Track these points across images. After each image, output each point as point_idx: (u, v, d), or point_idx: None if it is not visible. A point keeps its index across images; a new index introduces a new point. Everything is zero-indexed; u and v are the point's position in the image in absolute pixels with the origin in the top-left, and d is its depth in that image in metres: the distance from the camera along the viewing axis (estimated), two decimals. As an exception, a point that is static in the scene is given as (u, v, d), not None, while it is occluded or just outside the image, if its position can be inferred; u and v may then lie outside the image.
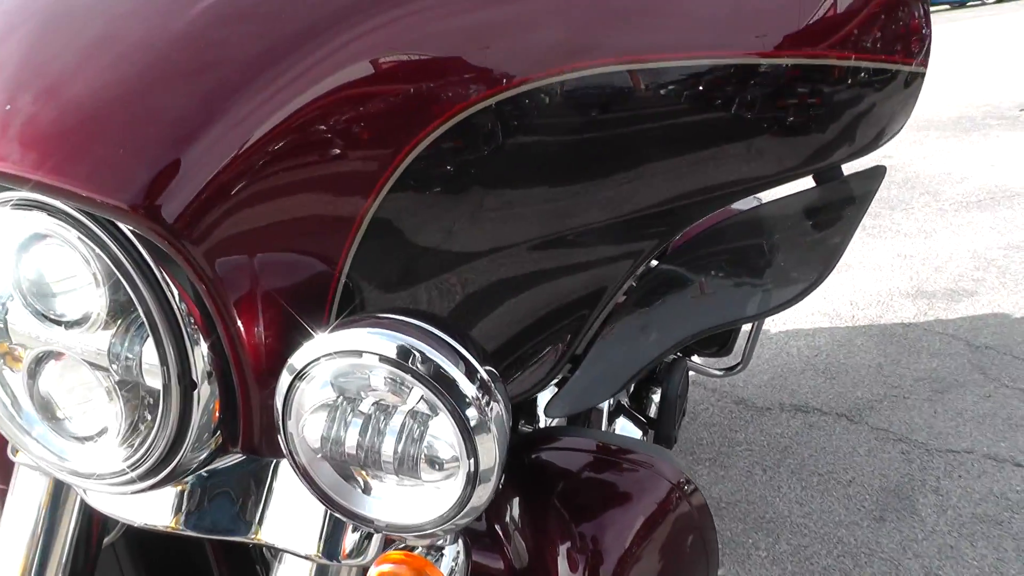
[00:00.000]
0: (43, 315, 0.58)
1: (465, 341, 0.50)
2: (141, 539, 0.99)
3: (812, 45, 0.63)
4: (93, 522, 0.81)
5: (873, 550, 1.93)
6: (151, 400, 0.59)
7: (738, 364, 1.89)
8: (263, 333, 0.56)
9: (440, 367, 0.49)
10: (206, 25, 0.54)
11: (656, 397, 1.58)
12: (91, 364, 0.58)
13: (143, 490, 0.61)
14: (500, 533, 0.77)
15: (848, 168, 0.74)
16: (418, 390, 0.50)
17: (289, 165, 0.53)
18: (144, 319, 0.54)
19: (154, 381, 0.56)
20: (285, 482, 0.66)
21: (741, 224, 0.73)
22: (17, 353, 0.62)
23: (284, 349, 0.57)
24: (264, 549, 0.83)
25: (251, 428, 0.59)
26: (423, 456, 0.51)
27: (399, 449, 0.51)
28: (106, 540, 0.87)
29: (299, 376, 0.52)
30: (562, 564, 0.75)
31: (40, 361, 0.61)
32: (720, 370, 1.97)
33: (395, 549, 0.62)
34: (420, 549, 0.61)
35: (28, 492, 0.78)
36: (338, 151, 0.55)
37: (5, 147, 0.51)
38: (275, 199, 0.54)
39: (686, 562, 0.80)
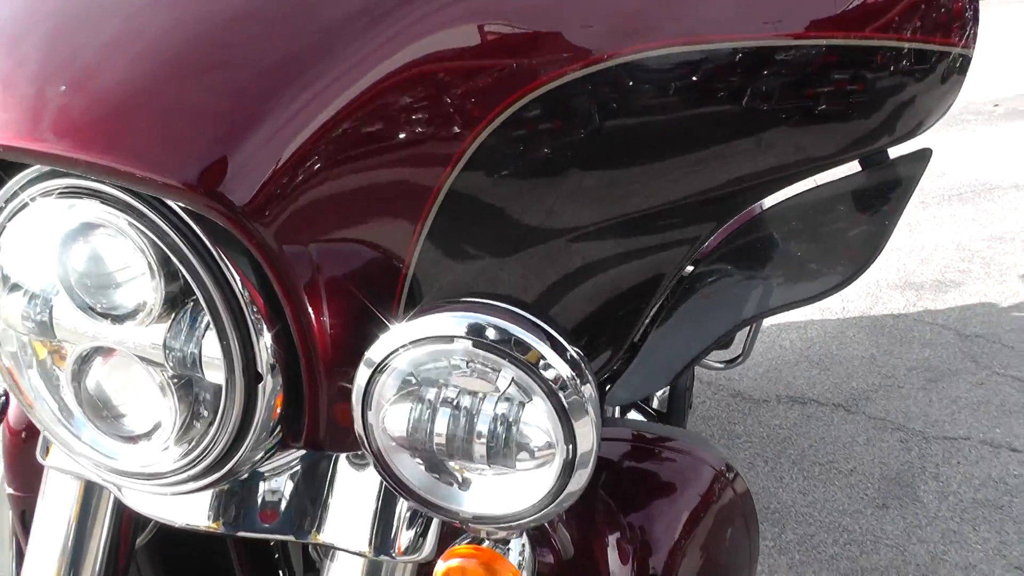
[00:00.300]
0: (92, 309, 0.55)
1: (552, 322, 0.49)
2: (161, 540, 0.98)
3: (861, 27, 0.63)
4: (125, 524, 0.79)
5: (878, 537, 1.95)
6: (207, 396, 0.57)
7: (739, 356, 1.91)
8: (333, 320, 0.53)
9: (535, 349, 0.48)
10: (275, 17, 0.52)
11: (664, 391, 1.58)
12: (144, 359, 0.56)
13: (197, 490, 0.59)
14: (547, 525, 0.76)
15: (893, 152, 0.75)
16: (509, 374, 0.49)
17: (363, 142, 0.52)
18: (206, 309, 0.52)
19: (214, 375, 0.54)
20: (340, 478, 0.65)
21: (788, 210, 0.73)
22: (63, 351, 0.59)
23: (355, 337, 0.55)
24: (311, 548, 0.82)
25: (317, 422, 0.57)
26: (515, 444, 0.49)
27: (491, 438, 0.49)
28: (138, 542, 0.86)
29: (380, 366, 0.51)
30: (612, 555, 0.75)
31: (87, 358, 0.58)
32: (721, 363, 1.98)
33: (461, 543, 0.61)
34: (487, 542, 0.60)
35: (60, 496, 0.76)
36: (412, 127, 0.53)
37: (60, 129, 0.49)
38: (347, 178, 0.52)
39: (732, 548, 0.80)
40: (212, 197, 0.47)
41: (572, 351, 0.48)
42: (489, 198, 0.59)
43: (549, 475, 0.49)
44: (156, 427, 0.59)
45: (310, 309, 0.52)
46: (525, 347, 0.48)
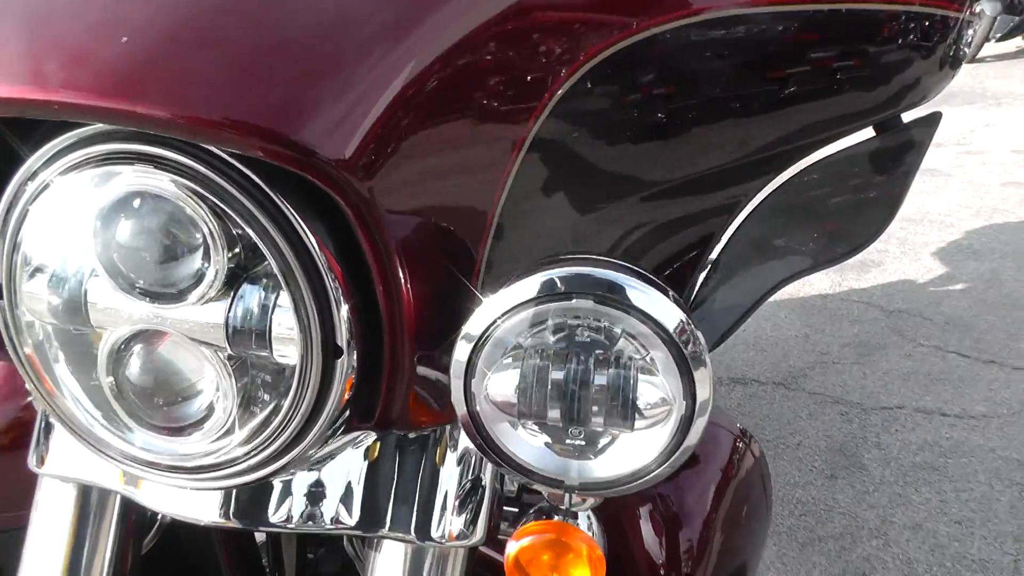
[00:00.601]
0: (136, 289, 0.49)
1: (654, 277, 0.49)
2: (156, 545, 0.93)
3: None
4: (130, 531, 0.75)
5: (831, 506, 2.03)
6: (266, 377, 0.53)
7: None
8: (419, 287, 0.50)
9: (656, 301, 0.47)
10: None
11: None
12: (197, 340, 0.50)
13: (258, 480, 0.54)
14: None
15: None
16: (620, 330, 0.48)
17: (452, 94, 0.49)
18: (281, 280, 0.47)
19: (286, 352, 0.49)
20: (387, 463, 0.62)
21: (811, 175, 0.75)
22: (96, 339, 0.53)
23: (440, 304, 0.52)
24: (347, 541, 0.79)
25: (392, 399, 0.53)
26: (632, 402, 0.47)
27: (609, 399, 0.47)
28: (144, 546, 0.82)
29: (485, 334, 0.48)
30: (645, 526, 0.76)
31: (125, 345, 0.52)
32: None
33: (527, 522, 0.60)
34: (557, 516, 0.59)
35: (58, 506, 0.70)
36: (499, 79, 0.50)
37: (137, 85, 0.43)
38: (436, 131, 0.49)
39: (754, 510, 0.83)
40: (309, 152, 0.44)
41: (681, 303, 0.48)
42: (568, 154, 0.57)
43: (663, 433, 0.48)
44: (206, 416, 0.54)
45: (401, 274, 0.49)
46: (645, 300, 0.47)
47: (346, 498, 0.63)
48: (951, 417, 2.35)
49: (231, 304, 0.49)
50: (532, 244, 0.57)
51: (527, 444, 0.51)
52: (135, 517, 0.73)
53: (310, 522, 0.63)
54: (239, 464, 0.53)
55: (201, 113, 0.43)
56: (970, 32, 0.71)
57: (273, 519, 0.63)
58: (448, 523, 0.62)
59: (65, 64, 0.44)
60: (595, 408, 0.48)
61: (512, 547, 0.59)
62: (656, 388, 0.48)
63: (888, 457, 2.20)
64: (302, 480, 0.63)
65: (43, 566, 0.70)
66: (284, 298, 0.48)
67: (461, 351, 0.49)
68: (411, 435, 0.62)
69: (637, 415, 0.48)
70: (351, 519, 0.62)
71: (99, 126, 0.48)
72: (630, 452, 0.50)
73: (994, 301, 3.06)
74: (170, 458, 0.55)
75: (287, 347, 0.49)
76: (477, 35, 0.49)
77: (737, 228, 0.72)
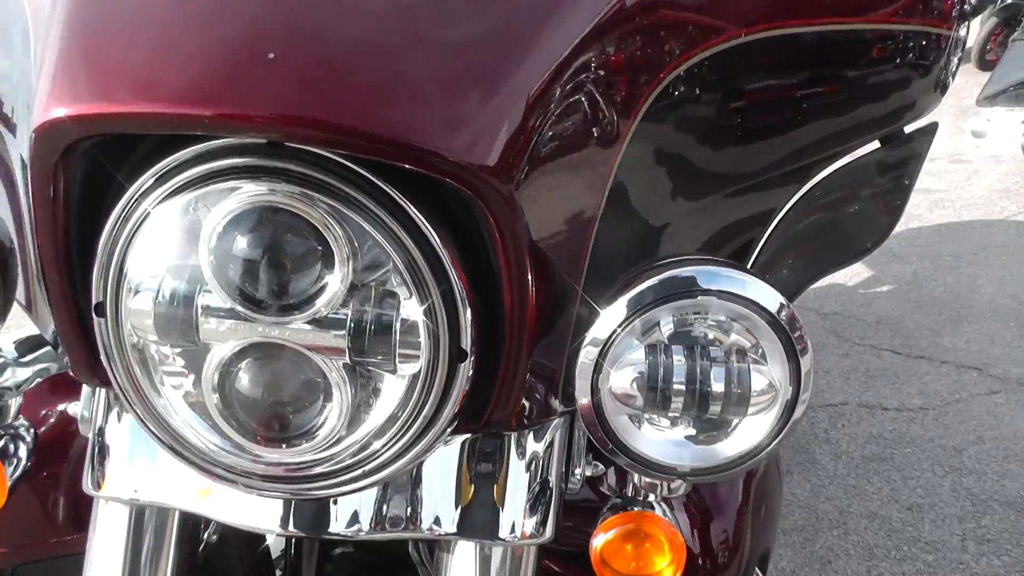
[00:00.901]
0: (255, 304, 0.49)
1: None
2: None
3: (899, 14, 0.71)
4: (187, 547, 0.74)
5: (790, 500, 2.13)
6: (379, 384, 0.53)
7: None
8: (541, 289, 0.52)
9: (769, 296, 0.52)
10: None
11: None
12: (315, 350, 0.51)
13: (365, 487, 0.56)
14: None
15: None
16: (735, 324, 0.53)
17: (567, 99, 0.51)
18: (412, 287, 0.49)
19: (411, 358, 0.50)
20: (463, 466, 0.64)
21: (829, 183, 0.82)
22: (200, 356, 0.53)
23: (554, 305, 0.54)
24: (412, 547, 0.80)
25: (503, 400, 0.55)
26: (749, 391, 0.51)
27: (728, 388, 0.51)
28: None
29: (613, 335, 0.52)
30: (686, 518, 0.81)
31: (233, 359, 0.52)
32: None
33: (605, 517, 0.64)
34: (636, 507, 0.63)
35: (114, 526, 0.70)
36: (603, 82, 0.54)
37: (265, 98, 0.44)
38: (557, 137, 0.51)
39: (773, 497, 0.89)
40: (459, 161, 0.45)
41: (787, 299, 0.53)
42: (656, 153, 0.61)
43: (769, 417, 0.53)
44: (316, 426, 0.53)
45: (529, 277, 0.50)
46: (762, 295, 0.52)
47: (418, 502, 0.64)
48: (891, 411, 2.50)
49: (353, 314, 0.50)
50: (623, 243, 0.61)
51: (643, 436, 0.55)
52: (189, 534, 0.74)
53: (383, 528, 0.64)
54: (351, 472, 0.55)
55: (357, 126, 0.45)
56: (957, 55, 0.80)
57: (342, 527, 0.64)
58: (520, 523, 0.64)
59: (215, 80, 0.45)
60: (715, 399, 0.52)
61: (597, 540, 0.63)
62: (763, 376, 0.52)
63: (838, 451, 2.32)
64: (367, 494, 0.63)
65: None
66: (411, 304, 0.50)
67: (588, 353, 0.53)
68: (484, 439, 0.65)
69: (750, 403, 0.52)
70: (425, 523, 0.64)
71: (205, 145, 0.49)
72: (738, 437, 0.55)
73: (918, 300, 3.26)
74: (277, 469, 0.55)
75: (411, 353, 0.50)
76: (587, 42, 0.52)
77: (776, 230, 0.78)
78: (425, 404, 0.52)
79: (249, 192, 0.48)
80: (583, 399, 0.54)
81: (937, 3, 0.74)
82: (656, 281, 0.53)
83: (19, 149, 0.60)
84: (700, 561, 0.81)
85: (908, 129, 0.82)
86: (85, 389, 0.69)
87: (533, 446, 0.65)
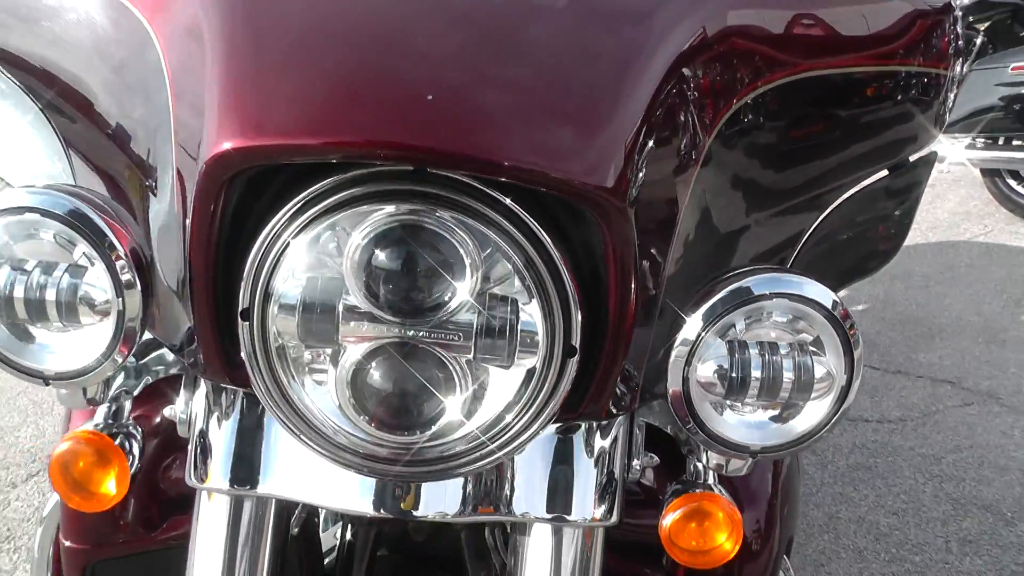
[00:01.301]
0: (392, 308, 0.56)
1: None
2: None
3: (901, 56, 0.82)
4: (283, 533, 0.80)
5: (782, 507, 2.23)
6: (487, 378, 0.60)
7: None
8: (639, 295, 0.59)
9: (829, 298, 0.62)
10: (579, 22, 0.60)
11: None
12: (442, 349, 0.58)
13: (475, 471, 0.63)
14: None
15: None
16: (800, 322, 0.63)
17: (664, 123, 0.60)
18: (535, 292, 0.56)
19: (528, 353, 0.58)
20: (544, 452, 0.72)
21: (842, 209, 0.92)
22: (334, 355, 0.60)
23: (645, 310, 0.61)
24: (488, 532, 0.87)
25: (599, 393, 0.62)
26: (813, 380, 0.62)
27: (796, 377, 0.61)
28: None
29: (700, 335, 0.62)
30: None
31: (366, 358, 0.59)
32: None
33: (671, 500, 0.72)
34: (698, 488, 0.71)
35: (215, 516, 0.75)
36: (684, 109, 0.62)
37: (430, 132, 0.53)
38: (652, 156, 0.59)
39: (795, 488, 0.98)
40: (585, 184, 0.53)
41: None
42: (726, 172, 0.69)
43: (827, 401, 0.63)
44: (437, 415, 0.60)
45: (633, 284, 0.58)
46: (823, 297, 0.62)
47: (503, 488, 0.72)
48: (873, 422, 2.62)
49: (479, 317, 0.57)
50: (694, 253, 0.68)
51: (723, 420, 0.65)
52: (284, 523, 0.79)
53: (472, 512, 0.71)
54: (465, 457, 0.62)
55: (501, 157, 0.53)
56: (954, 91, 0.91)
57: (434, 510, 0.71)
58: (591, 508, 0.72)
59: (377, 116, 0.53)
60: (785, 387, 0.62)
61: (666, 521, 0.71)
62: (823, 366, 0.62)
63: (824, 461, 2.43)
64: (457, 480, 0.71)
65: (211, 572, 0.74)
66: (532, 307, 0.57)
67: (680, 351, 0.62)
68: (561, 434, 0.74)
69: (813, 389, 0.62)
70: (509, 507, 0.71)
71: (350, 174, 0.56)
72: (801, 419, 0.64)
73: (891, 319, 3.41)
74: (400, 454, 0.61)
75: (529, 350, 0.58)
76: (673, 72, 0.60)
77: (797, 252, 0.88)
78: (538, 395, 0.59)
79: (392, 212, 0.55)
80: (675, 388, 0.63)
81: (936, 42, 0.85)
82: (731, 289, 0.62)
83: (151, 180, 0.67)
84: (750, 538, 0.90)
85: (912, 158, 0.93)
86: (183, 393, 0.76)
87: (600, 441, 0.74)
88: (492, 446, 0.62)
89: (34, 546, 1.02)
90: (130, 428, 0.77)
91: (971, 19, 8.54)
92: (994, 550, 2.00)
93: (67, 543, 0.93)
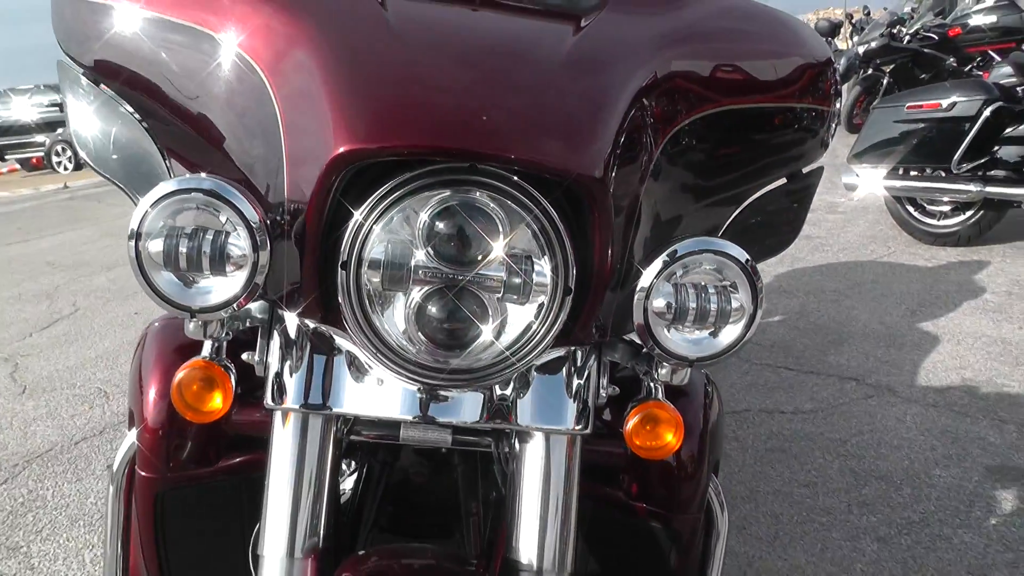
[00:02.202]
0: (448, 260, 0.78)
1: None
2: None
3: (792, 95, 1.09)
4: (337, 448, 0.98)
5: (711, 484, 2.54)
6: (513, 312, 0.82)
7: None
8: (614, 251, 0.82)
9: (743, 255, 0.85)
10: (575, 68, 0.85)
11: None
12: (484, 288, 0.79)
13: (499, 380, 0.87)
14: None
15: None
16: (724, 273, 0.87)
17: (627, 134, 0.83)
18: (545, 248, 0.78)
19: (539, 292, 0.79)
20: (540, 376, 0.94)
21: (749, 208, 1.23)
22: (405, 295, 0.81)
23: (616, 264, 0.83)
24: (494, 445, 1.12)
25: (586, 323, 0.84)
26: (730, 311, 0.85)
27: (719, 307, 0.84)
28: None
29: (653, 282, 0.84)
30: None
31: (427, 297, 0.80)
32: None
33: (633, 406, 0.95)
34: (653, 397, 0.95)
35: (290, 434, 0.94)
36: (645, 124, 0.87)
37: (486, 140, 0.76)
38: (621, 154, 0.82)
39: (718, 423, 1.26)
40: (584, 174, 0.77)
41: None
42: (669, 176, 0.95)
43: (739, 326, 0.86)
44: (475, 336, 0.82)
45: (610, 245, 0.80)
46: (735, 252, 0.85)
47: (512, 404, 0.94)
48: (788, 414, 2.97)
49: (507, 267, 0.79)
50: (649, 227, 0.93)
51: (670, 338, 0.87)
52: (339, 440, 0.99)
53: (491, 421, 0.94)
54: (492, 368, 0.84)
55: (533, 157, 0.77)
56: (835, 121, 1.24)
57: (467, 417, 0.92)
58: (573, 420, 0.94)
59: (452, 129, 0.77)
60: (712, 316, 0.85)
61: (629, 424, 0.95)
62: (737, 300, 0.86)
63: (745, 446, 2.76)
64: (478, 395, 0.94)
65: (285, 479, 0.94)
66: (543, 261, 0.79)
67: (641, 292, 0.85)
68: (555, 357, 0.96)
69: (731, 316, 0.86)
70: (516, 418, 0.94)
71: (421, 171, 0.77)
72: (723, 337, 0.87)
73: (805, 327, 3.80)
74: (445, 364, 0.83)
75: (540, 290, 0.80)
76: (637, 100, 0.86)
77: (721, 234, 1.18)
78: (546, 321, 0.82)
79: (448, 196, 0.78)
80: (638, 319, 0.86)
81: (820, 86, 1.17)
82: (675, 247, 0.86)
83: (262, 183, 0.90)
84: (685, 456, 1.16)
85: (804, 170, 1.25)
86: (260, 342, 0.97)
87: (578, 374, 0.97)
88: (512, 359, 0.85)
89: (111, 476, 1.20)
90: (227, 363, 0.98)
91: (878, 62, 9.33)
92: (886, 509, 2.34)
93: (142, 474, 1.11)
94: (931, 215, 5.00)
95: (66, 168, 15.95)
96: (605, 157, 0.80)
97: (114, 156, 1.11)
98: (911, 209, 5.08)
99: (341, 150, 0.77)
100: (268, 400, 0.94)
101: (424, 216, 0.80)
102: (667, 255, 0.86)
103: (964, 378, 3.18)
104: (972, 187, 4.54)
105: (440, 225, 0.80)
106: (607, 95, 0.85)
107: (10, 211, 10.73)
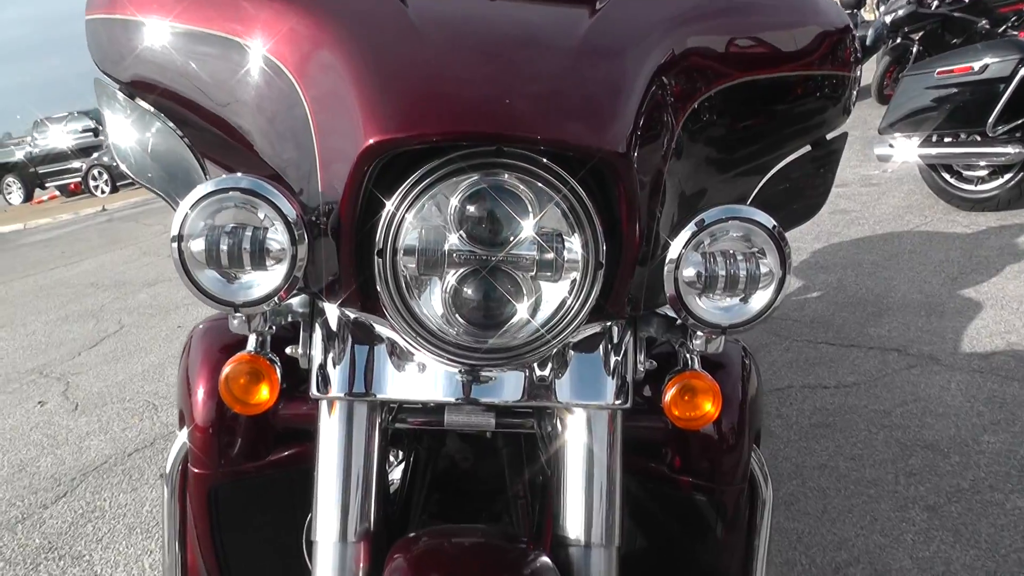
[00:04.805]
0: (480, 242, 0.80)
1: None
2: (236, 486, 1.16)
3: (818, 63, 1.10)
4: (383, 435, 0.99)
5: (755, 462, 2.53)
6: (545, 291, 0.83)
7: None
8: (643, 227, 0.83)
9: (769, 220, 0.85)
10: (595, 51, 0.87)
11: None
12: (516, 268, 0.81)
13: (538, 358, 0.88)
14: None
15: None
16: (758, 241, 0.86)
17: (649, 110, 0.84)
18: (575, 226, 0.80)
19: (571, 269, 0.81)
20: (576, 355, 0.95)
21: (776, 176, 1.23)
22: (441, 279, 0.83)
23: (644, 238, 0.84)
24: (536, 424, 1.14)
25: (618, 297, 0.84)
26: (759, 276, 0.85)
27: (747, 275, 0.85)
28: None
29: (681, 252, 0.85)
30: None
31: (462, 279, 0.82)
32: None
33: (671, 377, 0.95)
34: (689, 368, 0.95)
35: (337, 422, 0.96)
36: (663, 106, 0.88)
37: (509, 123, 0.78)
38: (644, 130, 0.83)
39: (757, 394, 1.26)
40: (610, 150, 0.78)
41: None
42: (692, 151, 0.96)
43: (768, 292, 0.86)
44: (511, 315, 0.83)
45: (638, 220, 0.81)
46: (763, 218, 0.86)
47: (552, 382, 0.95)
48: (830, 388, 2.95)
49: (538, 246, 0.81)
50: (674, 201, 0.94)
51: (702, 306, 0.88)
52: (384, 428, 1.01)
53: (532, 398, 0.95)
54: (528, 346, 0.86)
55: (558, 136, 0.78)
56: (856, 88, 1.23)
57: (509, 396, 0.94)
58: (612, 395, 0.94)
59: (478, 114, 0.79)
60: (741, 280, 0.86)
61: (667, 396, 0.96)
62: (766, 266, 0.86)
63: (789, 423, 2.75)
64: (518, 375, 0.95)
65: (335, 475, 0.95)
66: (574, 239, 0.80)
67: (670, 264, 0.86)
68: (591, 334, 0.97)
69: (760, 282, 0.86)
70: (557, 395, 0.95)
71: (451, 155, 0.79)
72: (753, 303, 0.88)
73: (844, 301, 3.76)
74: (482, 343, 0.84)
75: (572, 267, 0.81)
76: (657, 78, 0.88)
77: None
78: (579, 296, 0.82)
79: (480, 178, 0.80)
80: (670, 290, 0.86)
81: (840, 53, 1.17)
82: (701, 216, 0.86)
83: (295, 179, 0.93)
84: (726, 427, 1.17)
85: (829, 136, 1.25)
86: (302, 336, 0.99)
87: (615, 349, 0.98)
88: (548, 336, 0.86)
89: (165, 474, 1.23)
90: (271, 356, 0.99)
91: (906, 29, 9.16)
92: (934, 478, 2.32)
93: (195, 470, 1.13)
94: (968, 181, 4.90)
95: (103, 191, 16.35)
96: (627, 134, 0.82)
97: (153, 166, 1.15)
98: (947, 176, 4.99)
99: (371, 141, 0.79)
100: (313, 390, 0.96)
101: (455, 201, 0.81)
102: (694, 224, 0.87)
103: (1009, 343, 3.13)
104: (1010, 149, 4.45)
105: (471, 209, 0.81)
106: (626, 75, 0.87)
107: (52, 236, 11.02)
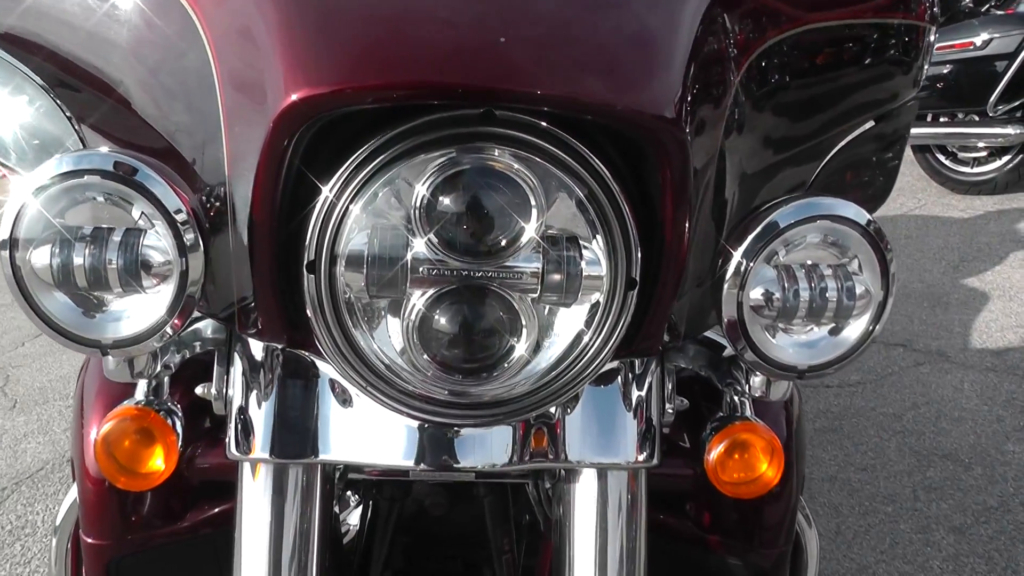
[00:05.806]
0: (463, 251, 0.57)
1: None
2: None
3: (888, 6, 0.87)
4: (330, 502, 0.80)
5: (757, 473, 2.32)
6: (554, 317, 0.62)
7: None
8: (694, 231, 0.61)
9: (861, 214, 0.64)
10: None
11: None
12: (510, 290, 0.59)
13: (539, 412, 0.65)
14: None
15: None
16: (841, 244, 0.65)
17: (703, 66, 0.61)
18: (600, 229, 0.58)
19: (593, 289, 0.59)
20: (592, 404, 0.73)
21: (839, 155, 0.99)
22: (399, 303, 0.60)
23: (696, 244, 0.62)
24: (533, 489, 0.88)
25: (652, 327, 0.64)
26: (855, 300, 0.63)
27: (838, 299, 0.63)
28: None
29: (750, 263, 0.63)
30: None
31: (430, 304, 0.59)
32: None
33: (718, 430, 0.74)
34: (739, 420, 0.74)
35: (262, 488, 0.74)
36: (717, 56, 0.64)
37: (502, 73, 0.54)
38: (699, 91, 0.61)
39: (802, 424, 1.03)
40: (649, 114, 0.55)
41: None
42: (750, 116, 0.72)
43: (863, 320, 0.65)
44: (504, 354, 0.61)
45: (687, 221, 0.59)
46: (854, 213, 0.64)
47: (551, 436, 0.73)
48: (834, 387, 2.73)
49: (545, 255, 0.58)
50: (721, 192, 0.69)
51: (773, 342, 0.66)
52: (329, 492, 0.78)
53: (527, 460, 0.72)
54: (528, 398, 0.63)
55: (573, 93, 0.55)
56: (930, 54, 0.99)
57: (497, 460, 0.71)
58: (633, 450, 0.73)
59: (458, 57, 0.54)
60: (829, 310, 0.64)
61: (711, 455, 0.74)
62: (861, 284, 0.64)
63: (792, 427, 2.53)
64: (506, 430, 0.71)
65: (260, 544, 0.73)
66: (595, 243, 0.59)
67: (732, 280, 0.64)
68: (604, 380, 0.74)
69: (856, 307, 0.64)
70: (559, 454, 0.72)
71: (409, 124, 0.56)
72: (842, 338, 0.66)
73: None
74: (467, 397, 0.62)
75: (594, 284, 0.59)
76: (706, 20, 0.63)
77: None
78: (603, 328, 0.61)
79: (454, 157, 0.56)
80: (729, 316, 0.65)
81: (916, 3, 0.92)
82: (771, 217, 0.64)
83: (191, 150, 0.69)
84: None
85: (895, 106, 1.01)
86: (217, 370, 0.75)
87: (638, 387, 0.75)
88: (557, 384, 0.63)
89: (51, 546, 1.00)
90: (170, 404, 0.77)
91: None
92: (957, 494, 2.11)
93: (88, 540, 0.90)
94: (964, 163, 4.74)
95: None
96: (676, 92, 0.57)
97: (14, 139, 0.87)
98: (941, 157, 4.83)
99: (294, 97, 0.54)
100: (231, 449, 0.73)
101: (422, 189, 0.57)
102: (764, 227, 0.64)
103: (1022, 337, 2.93)
104: (1010, 130, 4.28)
105: (446, 201, 0.57)
106: (675, 12, 0.62)
107: None
